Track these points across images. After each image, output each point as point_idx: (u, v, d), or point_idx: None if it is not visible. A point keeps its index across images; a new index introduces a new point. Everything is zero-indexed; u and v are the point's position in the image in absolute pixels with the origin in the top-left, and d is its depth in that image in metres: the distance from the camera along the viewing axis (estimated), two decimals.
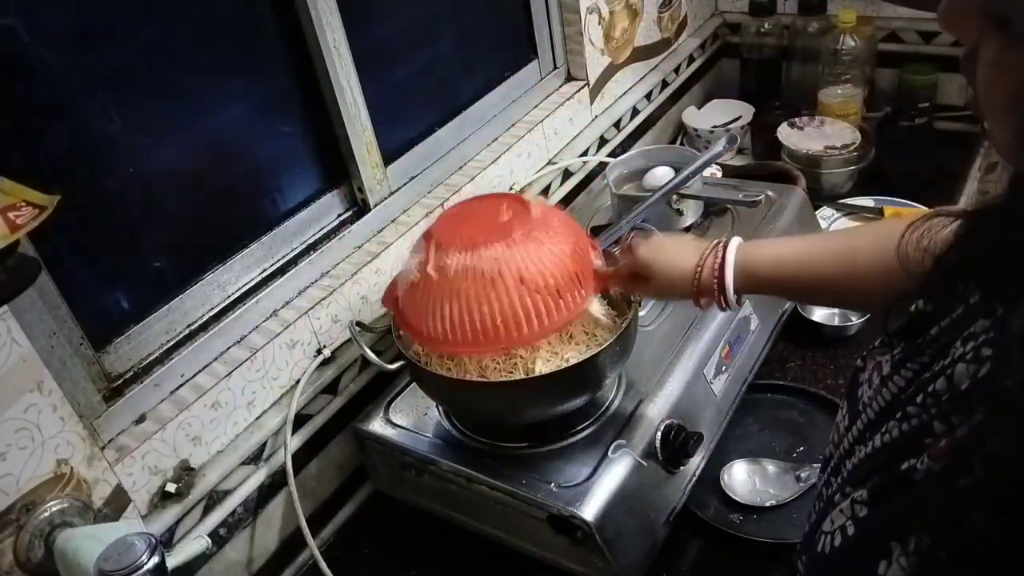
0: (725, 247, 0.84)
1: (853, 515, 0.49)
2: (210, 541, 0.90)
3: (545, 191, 1.44)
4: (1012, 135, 0.40)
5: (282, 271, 1.06)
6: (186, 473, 0.93)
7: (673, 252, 0.88)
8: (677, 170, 1.22)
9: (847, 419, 0.58)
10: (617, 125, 1.61)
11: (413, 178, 1.23)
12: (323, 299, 1.07)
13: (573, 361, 0.91)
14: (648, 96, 1.70)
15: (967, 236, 0.49)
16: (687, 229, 1.25)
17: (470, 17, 1.36)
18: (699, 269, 0.85)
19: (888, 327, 0.56)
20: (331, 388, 1.08)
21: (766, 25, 1.77)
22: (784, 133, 1.60)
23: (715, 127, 1.73)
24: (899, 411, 0.50)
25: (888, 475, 0.48)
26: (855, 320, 1.28)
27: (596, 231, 1.29)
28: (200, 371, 0.95)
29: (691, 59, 1.83)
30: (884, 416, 0.53)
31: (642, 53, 1.66)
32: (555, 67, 1.50)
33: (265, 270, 1.06)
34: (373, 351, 0.99)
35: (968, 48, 0.41)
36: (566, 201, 1.49)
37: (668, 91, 1.77)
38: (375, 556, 1.10)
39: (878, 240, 0.76)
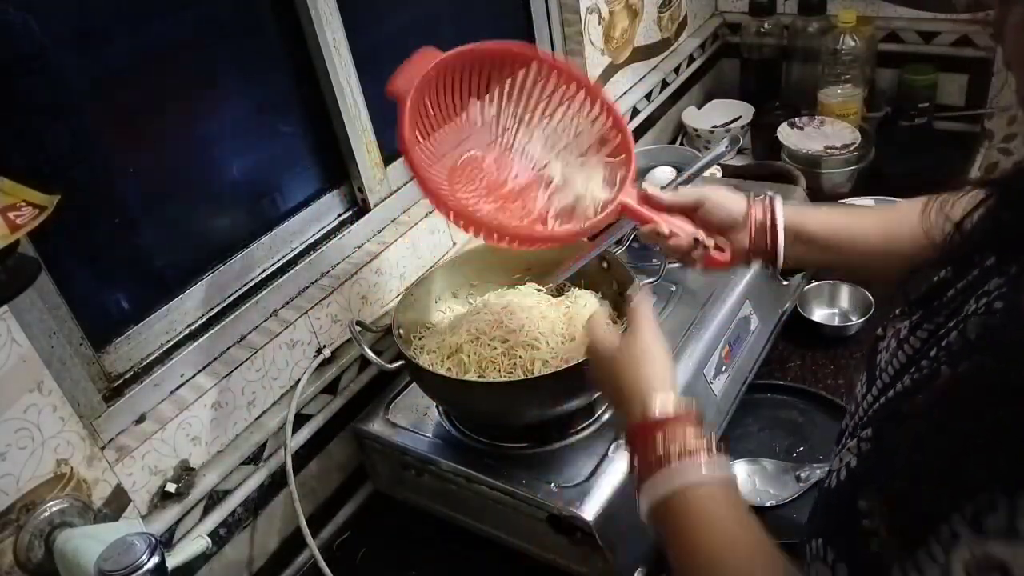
0: (772, 200, 0.86)
1: (858, 451, 0.52)
2: (210, 541, 0.90)
3: None
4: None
5: (282, 271, 1.06)
6: (186, 473, 0.93)
7: (725, 192, 0.89)
8: (678, 170, 1.22)
9: (864, 387, 0.60)
10: None
11: (413, 178, 1.23)
12: (323, 299, 1.07)
13: (573, 361, 0.91)
14: (648, 96, 1.70)
15: (985, 205, 0.53)
16: None
17: (470, 17, 1.36)
18: (751, 209, 0.86)
19: (909, 295, 0.59)
20: (331, 388, 1.08)
21: (766, 25, 1.77)
22: (784, 133, 1.60)
23: (715, 127, 1.73)
24: (913, 366, 0.53)
25: (893, 416, 0.51)
26: (855, 320, 1.28)
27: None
28: (200, 371, 0.95)
29: (691, 59, 1.83)
30: (900, 373, 0.55)
31: (642, 53, 1.66)
32: None
33: (265, 270, 1.06)
34: (373, 351, 0.99)
35: (997, 17, 0.49)
36: None
37: (668, 91, 1.77)
38: (375, 556, 1.10)
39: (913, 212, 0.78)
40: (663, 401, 0.68)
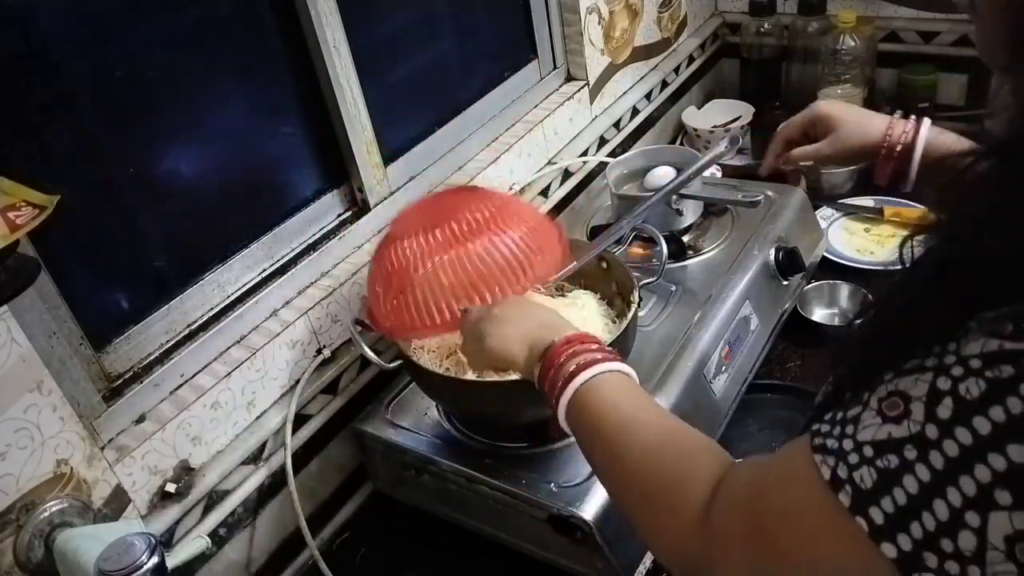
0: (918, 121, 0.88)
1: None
2: (210, 541, 0.90)
3: (545, 191, 1.44)
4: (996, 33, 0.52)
5: (282, 271, 1.06)
6: (186, 473, 0.93)
7: (859, 110, 0.91)
8: (678, 170, 1.22)
9: None
10: (617, 125, 1.61)
11: (413, 178, 1.23)
12: (323, 299, 1.06)
13: None
14: (648, 96, 1.70)
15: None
16: (687, 229, 1.25)
17: (470, 17, 1.36)
18: (890, 126, 0.88)
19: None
20: (331, 388, 1.08)
21: (766, 25, 1.77)
22: None
23: (715, 127, 1.73)
24: None
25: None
26: (855, 320, 1.28)
27: (596, 231, 1.29)
28: (200, 371, 0.95)
29: (691, 59, 1.83)
30: None
31: (642, 53, 1.66)
32: (555, 67, 1.50)
33: (265, 270, 1.06)
34: (373, 351, 0.99)
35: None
36: (566, 201, 1.49)
37: (668, 91, 1.77)
38: (375, 556, 1.10)
39: None
40: (561, 333, 0.74)
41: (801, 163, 1.01)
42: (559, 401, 0.70)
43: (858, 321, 0.61)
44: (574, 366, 0.70)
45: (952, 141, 0.89)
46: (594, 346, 0.72)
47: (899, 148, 0.89)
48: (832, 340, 1.00)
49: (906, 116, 0.91)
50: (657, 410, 0.69)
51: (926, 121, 0.88)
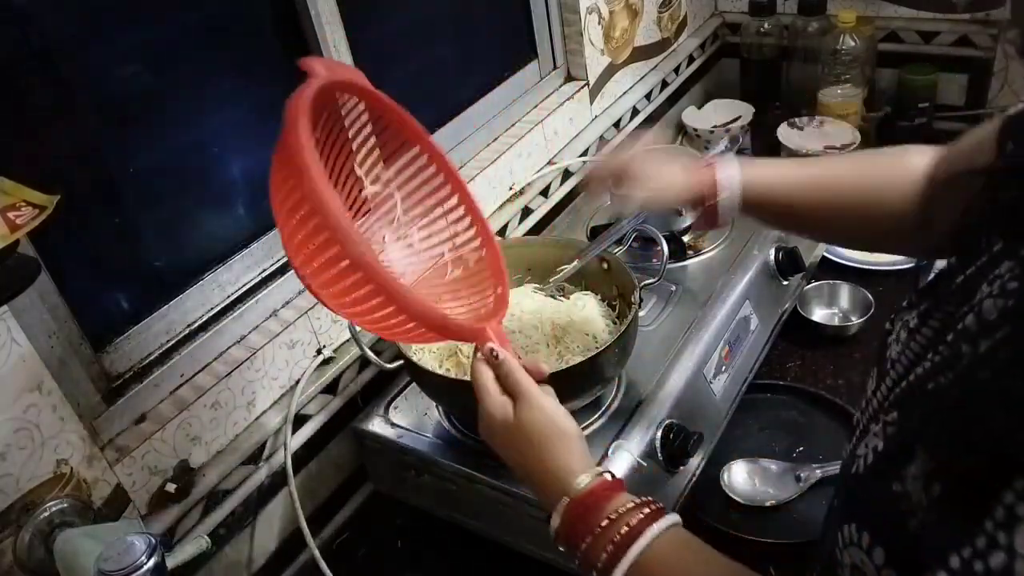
0: (716, 167, 0.84)
1: (884, 435, 0.52)
2: (210, 541, 0.90)
3: (545, 191, 1.44)
4: None
5: (282, 271, 1.06)
6: (186, 473, 0.93)
7: (665, 159, 0.86)
8: None
9: (875, 381, 0.61)
10: (617, 125, 1.61)
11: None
12: None
13: (573, 362, 0.91)
14: (648, 96, 1.70)
15: (988, 192, 0.53)
16: (687, 229, 1.25)
17: (470, 17, 1.36)
18: (697, 174, 0.84)
19: (918, 284, 0.60)
20: (331, 388, 1.08)
21: (766, 25, 1.77)
22: (784, 133, 1.60)
23: (715, 127, 1.73)
24: (930, 351, 0.53)
25: (916, 396, 0.52)
26: (855, 320, 1.28)
27: (596, 231, 1.29)
28: (200, 371, 0.95)
29: (691, 59, 1.83)
30: (916, 361, 0.55)
31: (642, 53, 1.66)
32: (555, 67, 1.50)
33: (265, 270, 1.06)
34: (373, 351, 0.99)
35: None
36: (566, 201, 1.49)
37: (668, 91, 1.77)
38: (375, 556, 1.10)
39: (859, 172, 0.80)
40: (585, 479, 0.66)
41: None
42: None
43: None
44: (620, 534, 0.61)
45: (767, 174, 0.83)
46: (627, 504, 0.63)
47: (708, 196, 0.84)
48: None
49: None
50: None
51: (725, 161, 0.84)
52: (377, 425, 1.05)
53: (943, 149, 0.75)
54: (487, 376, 0.72)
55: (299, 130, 0.63)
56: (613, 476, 0.68)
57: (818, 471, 1.06)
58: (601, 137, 1.56)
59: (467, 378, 0.93)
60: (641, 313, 1.07)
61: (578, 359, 0.91)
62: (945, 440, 0.46)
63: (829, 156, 0.86)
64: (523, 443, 0.70)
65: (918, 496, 0.46)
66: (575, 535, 0.64)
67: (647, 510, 0.63)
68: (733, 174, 0.83)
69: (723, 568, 0.60)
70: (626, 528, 0.61)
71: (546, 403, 0.70)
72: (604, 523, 0.63)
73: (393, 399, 1.08)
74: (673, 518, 0.63)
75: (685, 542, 0.62)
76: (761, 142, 1.70)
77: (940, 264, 0.61)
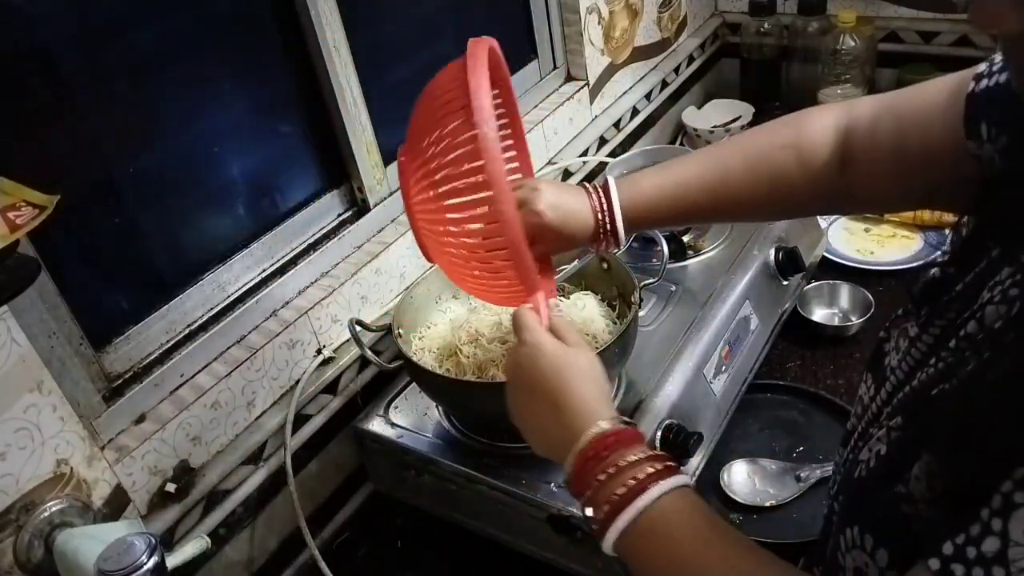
0: (605, 187, 0.81)
1: (888, 439, 0.52)
2: (210, 541, 0.90)
3: None
4: None
5: (282, 271, 1.06)
6: (186, 473, 0.93)
7: (566, 198, 0.81)
8: None
9: (872, 388, 0.61)
10: (617, 125, 1.61)
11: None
12: (323, 299, 1.06)
13: None
14: (648, 96, 1.70)
15: (985, 201, 0.53)
16: (687, 229, 1.25)
17: (470, 17, 1.36)
18: (596, 212, 0.80)
19: (914, 294, 0.59)
20: (331, 388, 1.08)
21: (766, 25, 1.77)
22: None
23: (715, 127, 1.73)
24: (933, 357, 0.53)
25: (920, 401, 0.52)
26: (855, 320, 1.28)
27: None
28: (200, 371, 0.95)
29: (691, 59, 1.83)
30: (917, 368, 0.55)
31: (642, 53, 1.66)
32: (555, 67, 1.50)
33: (265, 270, 1.06)
34: (373, 351, 0.99)
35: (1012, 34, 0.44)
36: None
37: (668, 91, 1.77)
38: (375, 556, 1.10)
39: (748, 156, 0.78)
40: (607, 425, 0.63)
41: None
42: (606, 531, 0.59)
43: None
44: (622, 489, 0.58)
45: (642, 190, 0.81)
46: (638, 453, 0.60)
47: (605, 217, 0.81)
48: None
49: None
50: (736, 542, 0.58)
51: (611, 183, 0.81)
52: (377, 425, 1.05)
53: (866, 101, 0.74)
54: (533, 316, 0.71)
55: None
56: (636, 428, 0.64)
57: (818, 471, 1.06)
58: (601, 137, 1.56)
59: (467, 378, 0.94)
60: (641, 313, 1.07)
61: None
62: (950, 444, 0.46)
63: (717, 152, 0.81)
64: (563, 376, 0.66)
65: (921, 495, 0.46)
66: (583, 482, 0.61)
67: (659, 466, 0.59)
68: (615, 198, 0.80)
69: (730, 538, 0.57)
70: (632, 481, 0.58)
71: (592, 352, 0.70)
72: (612, 470, 0.59)
73: (393, 399, 1.08)
74: (684, 479, 0.59)
75: (694, 504, 0.58)
76: None
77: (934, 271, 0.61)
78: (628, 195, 0.81)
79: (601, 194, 0.81)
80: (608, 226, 0.80)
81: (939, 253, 0.59)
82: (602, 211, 0.80)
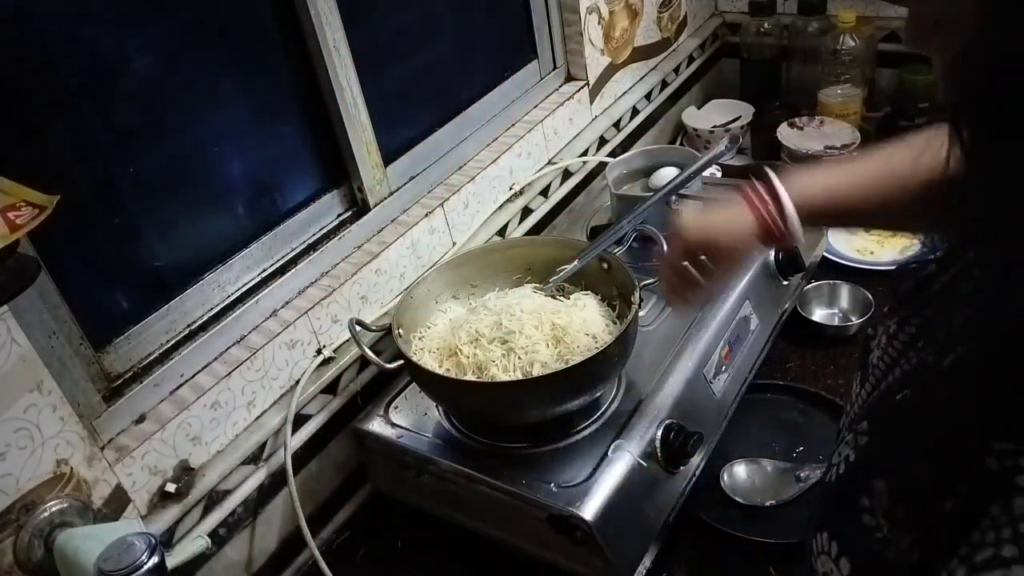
0: (772, 189, 0.81)
1: (856, 444, 0.53)
2: (210, 541, 0.90)
3: (545, 191, 1.44)
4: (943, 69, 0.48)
5: (282, 271, 1.06)
6: (186, 473, 0.93)
7: (723, 215, 0.84)
8: (680, 170, 1.22)
9: (858, 384, 0.61)
10: (617, 125, 1.61)
11: (413, 178, 1.23)
12: (323, 299, 1.07)
13: (573, 362, 0.91)
14: (648, 96, 1.70)
15: (950, 202, 0.52)
16: None
17: (470, 17, 1.36)
18: (760, 217, 0.80)
19: (898, 292, 0.59)
20: (331, 388, 1.08)
21: (766, 25, 1.77)
22: (784, 133, 1.60)
23: (715, 127, 1.73)
24: (903, 358, 0.54)
25: (885, 407, 0.53)
26: (855, 320, 1.28)
27: (596, 231, 1.29)
28: (200, 371, 0.96)
29: (691, 59, 1.83)
30: (891, 368, 0.55)
31: (642, 53, 1.66)
32: (555, 67, 1.50)
33: (265, 270, 1.06)
34: (373, 351, 0.99)
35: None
36: (566, 201, 1.49)
37: (668, 91, 1.77)
38: (375, 556, 1.10)
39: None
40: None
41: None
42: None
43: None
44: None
45: (813, 183, 0.82)
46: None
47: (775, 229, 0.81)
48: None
49: (757, 176, 0.83)
50: None
51: (776, 185, 0.81)
52: (377, 425, 1.05)
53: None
54: None
55: None
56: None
57: (818, 471, 1.06)
58: (601, 137, 1.56)
59: (467, 378, 0.94)
60: (641, 313, 1.07)
61: (578, 359, 0.91)
62: (905, 461, 0.45)
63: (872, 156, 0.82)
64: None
65: (883, 510, 0.46)
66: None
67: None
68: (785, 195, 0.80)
69: None
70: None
71: None
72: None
73: (393, 399, 1.08)
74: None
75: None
76: (761, 142, 1.70)
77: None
78: (796, 193, 0.81)
79: (768, 199, 0.80)
80: (780, 226, 0.80)
81: (935, 253, 0.58)
82: (769, 215, 0.81)
